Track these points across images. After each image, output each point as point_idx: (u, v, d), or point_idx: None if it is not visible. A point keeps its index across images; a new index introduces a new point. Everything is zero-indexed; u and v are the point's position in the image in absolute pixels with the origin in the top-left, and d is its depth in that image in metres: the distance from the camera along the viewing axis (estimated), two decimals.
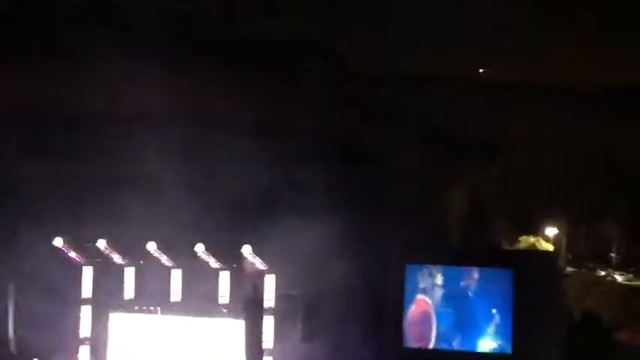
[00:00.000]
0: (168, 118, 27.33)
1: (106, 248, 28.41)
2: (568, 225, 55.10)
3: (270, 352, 26.84)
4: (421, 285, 27.51)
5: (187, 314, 28.17)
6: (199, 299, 28.20)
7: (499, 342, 26.72)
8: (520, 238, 52.69)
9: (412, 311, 27.53)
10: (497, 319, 26.79)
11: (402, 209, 29.21)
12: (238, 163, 27.64)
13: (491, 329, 26.83)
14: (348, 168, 29.00)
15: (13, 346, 28.17)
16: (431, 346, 27.35)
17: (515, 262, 27.54)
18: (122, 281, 28.76)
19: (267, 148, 28.02)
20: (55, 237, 28.26)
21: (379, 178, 29.60)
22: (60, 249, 28.42)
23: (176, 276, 28.40)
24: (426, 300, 27.43)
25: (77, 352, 28.84)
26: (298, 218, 24.92)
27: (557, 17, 38.40)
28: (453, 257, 27.90)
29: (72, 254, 28.69)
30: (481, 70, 37.99)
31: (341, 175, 28.86)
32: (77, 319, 28.88)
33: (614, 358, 28.74)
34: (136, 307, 28.70)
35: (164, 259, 28.21)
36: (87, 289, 29.11)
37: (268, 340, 26.80)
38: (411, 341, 27.51)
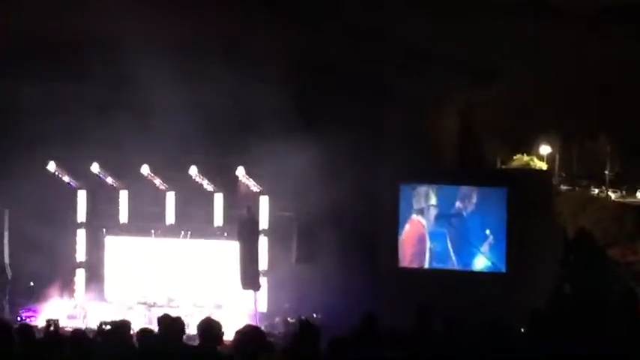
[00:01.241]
0: (161, 45, 27.06)
1: (99, 172, 28.35)
2: (562, 143, 55.13)
3: (265, 273, 26.97)
4: (416, 206, 27.54)
5: (182, 236, 28.23)
6: (194, 221, 28.25)
7: (493, 260, 26.84)
8: (514, 157, 52.74)
9: (407, 232, 27.59)
10: (491, 237, 26.87)
11: (397, 131, 29.10)
12: (230, 87, 27.44)
13: (485, 248, 26.93)
14: (342, 92, 28.82)
15: (9, 271, 28.23)
16: (426, 265, 27.47)
17: (509, 181, 27.59)
18: (117, 204, 28.78)
19: (262, 72, 27.80)
20: (48, 162, 28.18)
21: (373, 102, 29.45)
22: (54, 173, 28.38)
23: (170, 198, 28.42)
24: (420, 221, 27.48)
25: (73, 276, 28.97)
26: (292, 141, 24.81)
27: None
28: (448, 177, 27.92)
29: (66, 178, 28.64)
30: None
31: (335, 99, 28.69)
32: (73, 243, 28.95)
33: (607, 274, 28.86)
34: (131, 230, 28.78)
35: (158, 182, 28.17)
36: (82, 213, 29.15)
37: (263, 261, 26.90)
38: (406, 261, 27.62)
